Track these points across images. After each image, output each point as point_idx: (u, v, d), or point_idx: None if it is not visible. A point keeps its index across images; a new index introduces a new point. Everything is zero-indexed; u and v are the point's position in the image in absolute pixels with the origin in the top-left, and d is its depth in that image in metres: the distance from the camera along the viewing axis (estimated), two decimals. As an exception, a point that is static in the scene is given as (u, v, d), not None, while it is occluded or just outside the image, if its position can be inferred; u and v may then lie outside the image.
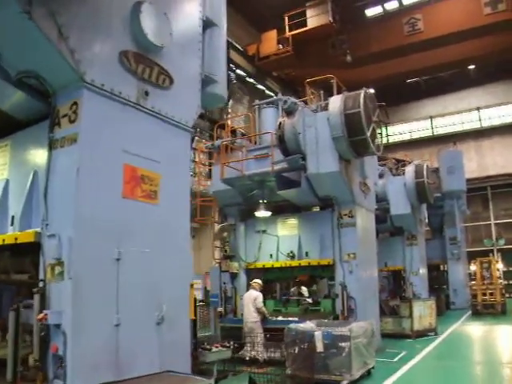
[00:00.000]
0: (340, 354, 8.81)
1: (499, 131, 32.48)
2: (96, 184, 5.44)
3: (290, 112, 12.24)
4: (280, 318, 11.82)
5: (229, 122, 16.31)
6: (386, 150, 24.86)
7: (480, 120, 33.16)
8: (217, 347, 7.17)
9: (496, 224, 32.97)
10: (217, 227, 13.64)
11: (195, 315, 7.19)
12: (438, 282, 25.80)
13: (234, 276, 13.47)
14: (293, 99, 12.38)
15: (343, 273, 11.92)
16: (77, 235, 5.15)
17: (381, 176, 18.11)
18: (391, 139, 35.52)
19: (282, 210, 13.50)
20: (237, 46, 23.10)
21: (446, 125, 34.08)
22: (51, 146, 5.69)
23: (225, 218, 13.99)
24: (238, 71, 23.55)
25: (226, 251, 13.66)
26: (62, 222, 5.30)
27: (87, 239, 5.25)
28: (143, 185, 5.95)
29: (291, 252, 12.81)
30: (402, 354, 11.94)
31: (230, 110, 21.74)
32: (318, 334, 9.06)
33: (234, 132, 14.57)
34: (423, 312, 14.92)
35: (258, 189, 12.92)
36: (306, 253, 12.69)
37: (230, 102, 23.16)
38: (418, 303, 15.01)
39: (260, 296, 11.51)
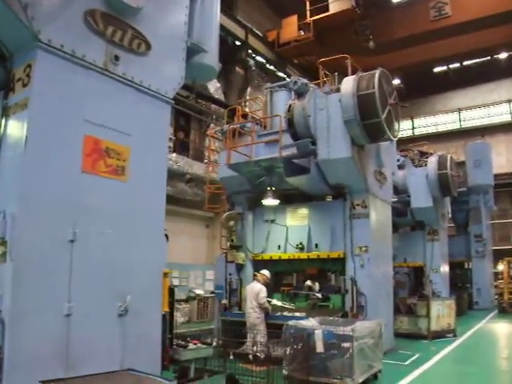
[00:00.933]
0: (341, 356, 7.90)
1: (531, 125, 30.67)
2: (48, 156, 4.67)
3: (300, 94, 11.33)
4: (285, 314, 10.93)
5: (246, 107, 15.41)
6: (410, 142, 23.77)
7: (511, 113, 31.38)
8: (195, 344, 6.33)
9: (525, 222, 31.14)
10: (223, 215, 12.81)
11: (171, 307, 6.39)
12: (461, 280, 24.48)
13: (239, 267, 12.68)
14: (304, 80, 11.44)
15: (354, 267, 11.00)
16: (21, 212, 4.40)
17: (401, 167, 17.03)
18: (417, 132, 34.00)
19: (292, 199, 12.62)
20: (256, 31, 22.17)
21: (474, 118, 32.44)
22: (4, 114, 4.96)
23: (232, 206, 13.16)
24: (258, 58, 22.63)
25: (232, 241, 12.85)
26: (6, 197, 4.57)
27: (34, 217, 4.49)
28: (108, 159, 5.16)
29: (300, 243, 11.91)
30: (415, 357, 10.93)
31: (248, 97, 20.82)
32: (318, 333, 8.18)
33: (245, 117, 13.72)
34: (442, 312, 13.83)
35: (266, 176, 12.03)
36: (316, 245, 11.79)
37: (249, 89, 22.30)
38: (437, 302, 13.92)
39: (263, 290, 10.63)
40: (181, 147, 19.10)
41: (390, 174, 12.56)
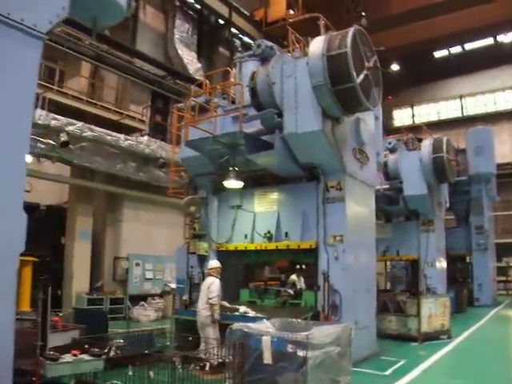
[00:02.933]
0: (295, 370, 6.13)
1: (536, 113, 28.39)
2: None
3: (265, 58, 9.54)
4: (237, 314, 9.09)
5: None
6: (410, 131, 21.71)
7: (515, 100, 29.18)
8: (75, 355, 4.52)
9: (530, 214, 28.78)
10: (183, 201, 11.00)
11: (44, 306, 4.58)
12: (462, 274, 22.46)
13: (202, 259, 10.88)
14: (268, 42, 9.61)
15: (327, 259, 9.15)
16: None
17: (393, 150, 15.10)
18: (417, 120, 31.77)
19: (262, 182, 10.78)
20: (242, 10, 20.23)
21: (476, 105, 30.20)
22: None
23: (195, 191, 11.35)
24: (245, 38, 20.69)
25: (194, 229, 11.05)
26: None
27: None
28: None
29: (268, 232, 10.10)
30: (398, 364, 9.09)
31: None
32: (265, 340, 6.41)
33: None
34: (434, 310, 11.89)
35: (229, 155, 10.17)
36: (286, 233, 9.96)
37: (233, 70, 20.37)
38: (428, 300, 11.99)
39: (215, 283, 8.82)
40: (158, 131, 17.32)
41: (373, 154, 10.64)
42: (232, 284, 10.91)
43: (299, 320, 7.87)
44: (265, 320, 7.38)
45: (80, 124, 13.79)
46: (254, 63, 10.75)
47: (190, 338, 8.59)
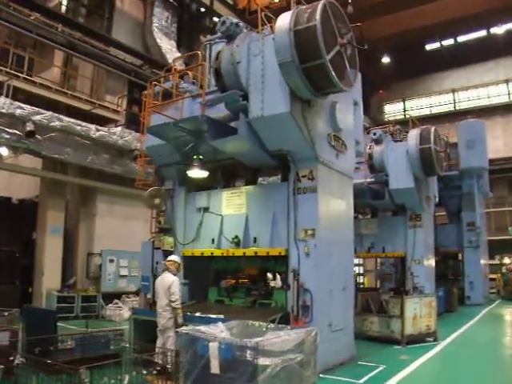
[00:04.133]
0: (244, 381, 5.24)
1: (531, 107, 27.41)
2: None
3: (230, 37, 8.59)
4: (198, 315, 8.17)
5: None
6: (402, 125, 20.75)
7: (509, 94, 28.14)
8: None
9: (523, 210, 27.83)
10: (146, 192, 10.07)
11: None
12: (453, 272, 21.54)
13: (168, 255, 9.92)
14: (234, 19, 8.67)
15: (298, 256, 8.20)
16: None
17: (379, 142, 14.14)
18: (408, 114, 30.72)
19: (231, 175, 9.87)
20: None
21: (470, 98, 29.18)
22: None
23: (162, 182, 10.42)
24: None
25: (159, 223, 10.12)
26: None
27: None
28: None
29: (236, 237, 9.06)
30: (376, 371, 8.18)
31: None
32: (212, 347, 5.51)
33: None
34: (419, 311, 10.96)
35: (194, 142, 9.24)
36: (255, 239, 8.93)
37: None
38: (413, 300, 11.05)
39: (176, 282, 7.91)
40: (134, 122, 16.34)
41: (351, 142, 9.69)
42: (200, 282, 10.04)
43: (261, 323, 6.95)
44: (220, 322, 6.43)
45: (48, 113, 12.88)
46: (223, 45, 9.87)
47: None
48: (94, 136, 13.76)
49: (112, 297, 14.76)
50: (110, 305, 14.47)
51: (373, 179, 14.19)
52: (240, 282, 9.60)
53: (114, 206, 15.31)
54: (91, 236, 15.19)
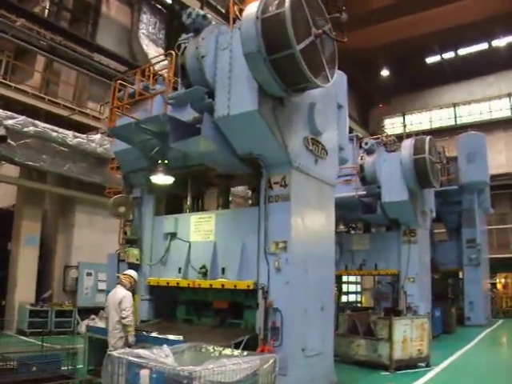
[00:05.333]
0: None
1: (533, 121, 26.28)
2: None
3: (196, 30, 7.75)
4: (153, 335, 7.17)
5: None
6: (400, 140, 19.78)
7: (511, 108, 27.06)
8: None
9: (526, 228, 26.49)
10: (110, 200, 9.16)
11: None
12: (453, 291, 20.31)
13: (132, 267, 8.98)
14: (201, 11, 7.84)
15: (267, 271, 7.20)
16: None
17: (370, 152, 13.16)
18: (408, 129, 29.68)
19: (201, 181, 8.95)
20: (215, 5, 18.43)
21: (471, 113, 28.15)
22: None
23: (130, 189, 9.51)
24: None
25: (125, 233, 9.18)
26: None
27: None
28: None
29: (203, 267, 8.06)
30: (355, 403, 7.09)
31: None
32: (143, 375, 4.56)
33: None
34: (410, 334, 9.88)
35: (160, 146, 8.35)
36: (223, 269, 7.92)
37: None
38: (402, 322, 9.95)
39: (128, 297, 6.98)
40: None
41: (334, 147, 8.72)
42: (168, 299, 9.04)
43: (215, 347, 5.96)
44: (165, 346, 5.45)
45: (21, 118, 12.07)
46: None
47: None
48: (71, 143, 12.94)
49: (89, 312, 13.70)
50: (86, 320, 13.41)
51: (364, 192, 13.19)
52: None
53: (94, 217, 14.37)
54: (69, 248, 14.25)
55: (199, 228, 8.40)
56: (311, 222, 7.77)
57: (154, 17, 16.80)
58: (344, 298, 22.94)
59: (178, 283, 8.27)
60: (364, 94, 27.84)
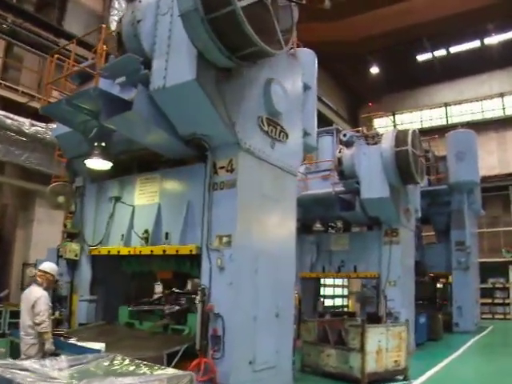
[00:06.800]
0: None
1: (526, 121, 25.08)
2: None
3: (134, -5, 6.61)
4: (72, 341, 6.03)
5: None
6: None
7: (503, 108, 25.89)
8: None
9: (519, 231, 25.25)
10: (47, 188, 8.01)
11: None
12: (442, 296, 19.06)
13: (72, 265, 7.85)
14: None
15: (209, 270, 6.04)
16: None
17: (349, 144, 11.98)
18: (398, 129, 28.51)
19: (147, 168, 7.79)
20: None
21: (462, 113, 26.96)
22: None
23: (74, 177, 8.36)
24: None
25: (65, 226, 8.03)
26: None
27: None
28: None
29: (146, 232, 7.02)
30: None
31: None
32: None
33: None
34: (385, 344, 8.65)
35: (99, 127, 7.17)
36: (166, 234, 6.85)
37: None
38: (377, 330, 8.73)
39: (43, 299, 5.82)
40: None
41: (297, 131, 7.53)
42: (115, 299, 7.94)
43: (130, 360, 4.78)
44: (62, 356, 4.31)
45: (-29, 103, 10.93)
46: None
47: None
48: (27, 131, 11.80)
49: (48, 313, 12.55)
50: (44, 322, 12.24)
51: (343, 188, 12.00)
52: (152, 303, 7.44)
53: (55, 212, 13.17)
54: (28, 244, 13.07)
55: (144, 190, 7.39)
56: (265, 215, 6.60)
57: (126, 2, 15.63)
58: (330, 303, 21.80)
59: (118, 251, 7.34)
60: (353, 92, 26.81)
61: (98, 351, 5.35)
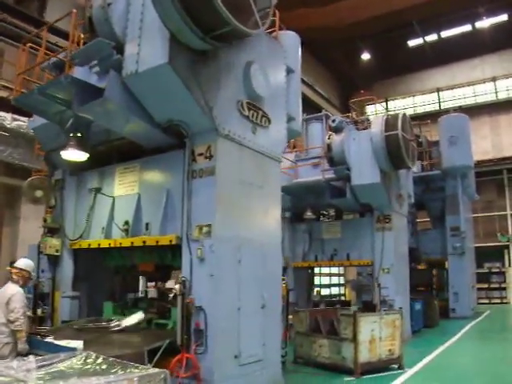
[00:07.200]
0: None
1: (519, 104, 24.81)
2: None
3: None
4: (48, 340, 5.74)
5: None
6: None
7: (496, 92, 25.61)
8: None
9: (513, 215, 25.08)
10: (25, 183, 7.71)
11: None
12: (438, 282, 18.87)
13: (53, 261, 7.57)
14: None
15: (190, 261, 5.77)
16: None
17: (339, 130, 11.69)
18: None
19: (127, 158, 7.48)
20: None
21: (455, 97, 26.63)
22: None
23: (53, 170, 8.06)
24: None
25: (45, 221, 7.74)
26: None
27: None
28: None
29: (126, 223, 6.75)
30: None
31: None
32: None
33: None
34: (378, 333, 8.43)
35: (75, 117, 6.86)
36: (147, 225, 6.58)
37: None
38: (370, 319, 8.48)
39: (18, 296, 5.58)
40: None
41: (280, 116, 7.25)
42: (100, 295, 7.72)
43: (105, 358, 4.52)
44: (31, 357, 4.11)
45: (-51, 98, 10.57)
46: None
47: None
48: (9, 126, 11.47)
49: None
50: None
51: (333, 175, 11.73)
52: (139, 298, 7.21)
53: (42, 208, 12.88)
54: (15, 242, 12.76)
55: (124, 180, 7.12)
56: (247, 203, 6.32)
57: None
58: (326, 292, 21.60)
59: (99, 244, 7.06)
60: (345, 79, 26.44)
61: (74, 350, 5.10)
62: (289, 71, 7.73)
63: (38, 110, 7.16)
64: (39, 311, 7.56)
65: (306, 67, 22.84)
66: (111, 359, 4.55)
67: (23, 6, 13.96)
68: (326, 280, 21.89)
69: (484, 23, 22.98)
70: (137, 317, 6.38)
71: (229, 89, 6.13)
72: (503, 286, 24.48)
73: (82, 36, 7.50)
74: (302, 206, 12.75)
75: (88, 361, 4.59)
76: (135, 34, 5.69)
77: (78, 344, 5.49)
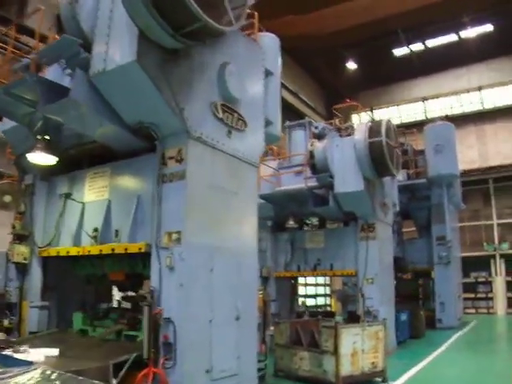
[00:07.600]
0: None
1: (504, 114, 24.77)
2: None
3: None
4: (4, 354, 5.41)
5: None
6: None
7: (482, 102, 25.67)
8: None
9: (499, 224, 24.81)
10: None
11: None
12: (424, 292, 18.66)
13: (21, 269, 7.22)
14: None
15: (159, 270, 5.46)
16: None
17: (321, 136, 11.49)
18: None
19: (99, 163, 7.18)
20: None
21: (441, 107, 26.64)
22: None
23: (23, 175, 7.73)
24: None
25: (13, 227, 7.39)
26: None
27: None
28: None
29: (95, 230, 6.44)
30: None
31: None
32: None
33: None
34: (361, 345, 8.14)
35: (44, 119, 6.57)
36: (116, 232, 6.27)
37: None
38: (352, 331, 8.20)
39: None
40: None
41: (257, 120, 6.99)
42: (70, 305, 7.37)
43: (61, 373, 4.19)
44: None
45: None
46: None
47: None
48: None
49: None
50: None
51: (316, 183, 11.50)
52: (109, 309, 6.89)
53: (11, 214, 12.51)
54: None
55: (93, 185, 6.81)
56: (220, 209, 6.04)
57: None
58: (312, 302, 21.26)
59: (68, 252, 6.72)
60: (331, 88, 26.39)
61: (30, 364, 4.76)
62: (267, 74, 7.52)
63: (5, 112, 6.86)
64: (6, 322, 7.23)
65: (292, 75, 22.86)
66: (68, 375, 4.23)
67: (4, 11, 13.68)
68: (311, 290, 21.55)
69: (469, 33, 23.08)
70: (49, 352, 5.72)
71: (202, 90, 5.88)
72: (490, 295, 24.34)
73: (57, 36, 7.27)
74: (285, 215, 12.48)
75: (39, 377, 4.26)
76: (103, 31, 5.44)
77: (54, 352, 5.23)
